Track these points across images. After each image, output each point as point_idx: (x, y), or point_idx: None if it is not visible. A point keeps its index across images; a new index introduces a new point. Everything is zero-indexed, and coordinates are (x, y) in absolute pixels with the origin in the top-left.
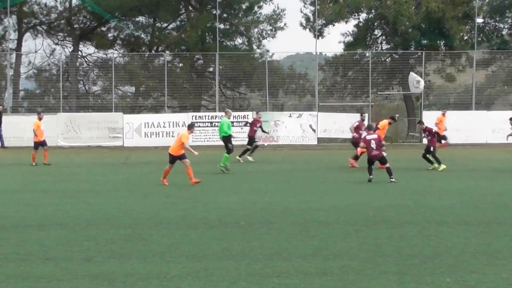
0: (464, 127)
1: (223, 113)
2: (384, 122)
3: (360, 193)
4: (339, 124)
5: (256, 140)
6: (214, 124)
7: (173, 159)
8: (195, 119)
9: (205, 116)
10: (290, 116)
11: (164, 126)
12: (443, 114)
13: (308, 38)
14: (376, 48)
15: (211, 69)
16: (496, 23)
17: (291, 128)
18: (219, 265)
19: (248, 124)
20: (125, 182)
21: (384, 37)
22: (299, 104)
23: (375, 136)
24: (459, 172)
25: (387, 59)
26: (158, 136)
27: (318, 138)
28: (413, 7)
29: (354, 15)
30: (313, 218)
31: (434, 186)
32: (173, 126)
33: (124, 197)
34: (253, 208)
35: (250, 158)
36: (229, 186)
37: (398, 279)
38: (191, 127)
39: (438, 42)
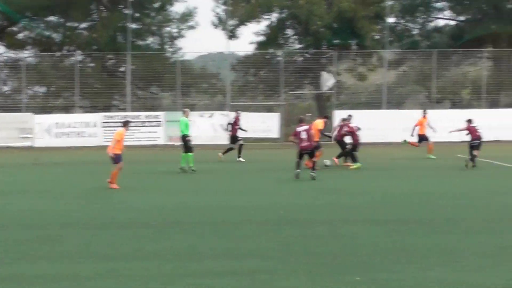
0: (376, 126)
1: (136, 113)
2: (319, 122)
3: (271, 193)
4: (251, 124)
5: (239, 139)
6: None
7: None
8: (107, 119)
9: (117, 116)
10: (201, 116)
11: (75, 127)
12: (424, 117)
13: (220, 38)
14: (288, 47)
15: (122, 69)
16: (407, 23)
17: (203, 128)
18: (130, 265)
19: (229, 125)
20: (35, 182)
21: (296, 36)
22: (211, 104)
23: (306, 127)
24: (370, 171)
25: (299, 59)
26: (69, 137)
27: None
28: (325, 7)
29: (266, 15)
30: (224, 218)
31: (345, 185)
32: (85, 127)
33: (34, 198)
34: (164, 208)
35: (240, 159)
36: (139, 186)
37: (309, 278)
38: (126, 124)
39: (350, 41)
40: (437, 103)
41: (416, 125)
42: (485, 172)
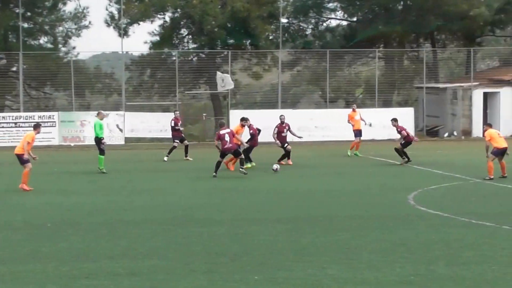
0: (271, 125)
1: (29, 113)
2: (237, 127)
3: (169, 193)
4: (147, 124)
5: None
6: (19, 125)
7: (19, 160)
8: None
9: (9, 116)
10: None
11: None
12: (354, 110)
13: (114, 37)
14: (183, 47)
15: (14, 69)
16: (300, 24)
17: None
18: (26, 267)
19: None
20: None
21: (190, 36)
22: (106, 104)
23: (228, 130)
24: (266, 170)
25: (194, 58)
26: None
27: (125, 137)
28: (219, 7)
29: (160, 14)
30: (121, 218)
31: (242, 185)
32: None
33: None
34: (60, 209)
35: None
36: (35, 187)
37: (207, 277)
38: (37, 127)
39: (244, 41)
40: (331, 102)
41: (348, 121)
42: (380, 170)
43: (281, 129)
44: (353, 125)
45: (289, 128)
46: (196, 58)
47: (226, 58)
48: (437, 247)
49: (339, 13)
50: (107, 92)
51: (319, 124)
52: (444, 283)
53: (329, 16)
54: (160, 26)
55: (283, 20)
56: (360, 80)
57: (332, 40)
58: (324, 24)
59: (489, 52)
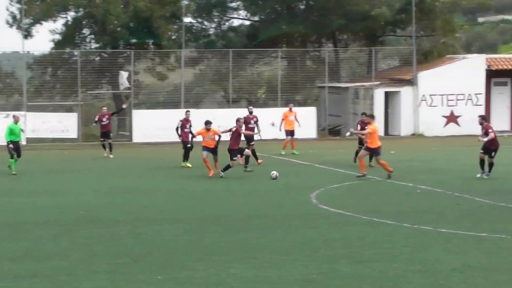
0: (174, 125)
1: None
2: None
3: (71, 193)
4: (49, 124)
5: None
6: None
7: None
8: None
9: None
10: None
11: None
12: (290, 110)
13: (15, 37)
14: (85, 47)
15: None
16: (203, 23)
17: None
18: None
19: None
20: None
21: (93, 36)
22: (6, 104)
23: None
24: (169, 170)
25: (96, 58)
26: None
27: (27, 138)
28: (121, 6)
29: (62, 14)
30: (22, 219)
31: (144, 185)
32: None
33: None
34: None
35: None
36: None
37: (110, 278)
38: None
39: (147, 41)
40: (234, 102)
41: (282, 120)
42: (283, 169)
43: (247, 120)
44: (285, 124)
45: (257, 120)
46: (98, 57)
47: (128, 58)
48: (339, 245)
49: (242, 13)
50: (7, 92)
51: (222, 124)
52: (346, 281)
53: (232, 16)
54: (62, 25)
55: (186, 20)
56: (263, 80)
57: (235, 40)
58: (227, 24)
59: (390, 52)
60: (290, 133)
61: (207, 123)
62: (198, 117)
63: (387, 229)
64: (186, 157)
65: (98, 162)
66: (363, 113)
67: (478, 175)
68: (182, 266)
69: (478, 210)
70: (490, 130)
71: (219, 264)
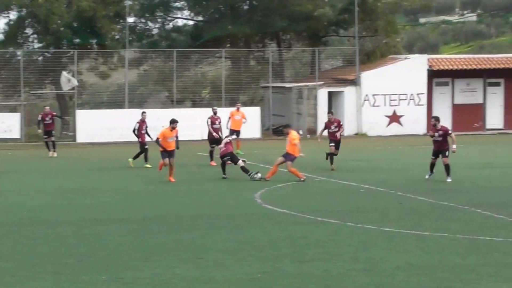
0: (117, 125)
1: None
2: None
3: (14, 194)
4: None
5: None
6: None
7: None
8: None
9: None
10: None
11: None
12: (237, 109)
13: None
14: (28, 46)
15: None
16: (147, 23)
17: None
18: None
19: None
20: None
21: (36, 35)
22: None
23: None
24: (112, 170)
25: (39, 58)
26: None
27: None
28: (65, 6)
29: (5, 13)
30: None
31: (88, 185)
32: None
33: None
34: None
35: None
36: None
37: (54, 279)
38: None
39: (90, 40)
40: (178, 102)
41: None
42: (227, 170)
43: (213, 120)
44: (231, 123)
45: (220, 121)
46: (41, 57)
47: (72, 57)
48: (284, 244)
49: (186, 12)
50: None
51: (166, 124)
52: (291, 280)
53: (175, 16)
54: (5, 24)
55: (130, 20)
56: (207, 80)
57: (179, 40)
58: (171, 24)
59: (333, 52)
60: (236, 132)
61: (173, 121)
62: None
63: (331, 228)
64: (146, 159)
65: (42, 162)
66: (330, 112)
67: (427, 176)
68: (127, 266)
69: (420, 209)
70: (449, 131)
71: (164, 264)
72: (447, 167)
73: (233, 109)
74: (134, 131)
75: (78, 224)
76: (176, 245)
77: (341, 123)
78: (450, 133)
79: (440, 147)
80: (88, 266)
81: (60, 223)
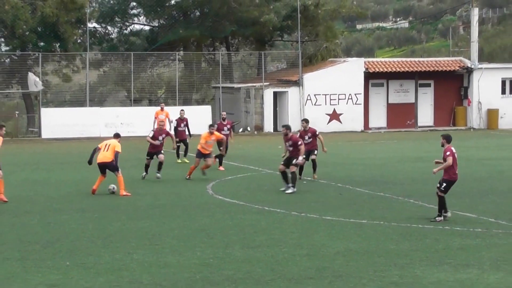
0: (79, 122)
1: None
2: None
3: None
4: None
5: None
6: None
7: None
8: None
9: None
10: None
11: None
12: (161, 109)
13: None
14: None
15: None
16: (107, 28)
17: None
18: None
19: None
20: None
21: (3, 39)
22: None
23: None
24: (74, 164)
25: (6, 60)
26: None
27: None
28: (30, 12)
29: None
30: None
31: (52, 177)
32: None
33: None
34: None
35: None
36: None
37: (21, 264)
38: None
39: (54, 44)
40: (135, 101)
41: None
42: (181, 163)
43: (179, 123)
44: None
45: (187, 123)
46: (8, 59)
47: (37, 60)
48: (233, 232)
49: (142, 18)
50: None
51: (124, 121)
52: (240, 264)
53: (133, 22)
54: None
55: (90, 25)
56: (162, 81)
57: (136, 44)
58: (129, 29)
59: (278, 55)
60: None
61: (212, 126)
62: (102, 114)
63: (277, 217)
64: (185, 153)
65: (9, 156)
66: (304, 120)
67: (283, 189)
68: (88, 252)
69: (358, 199)
70: (317, 133)
71: (123, 250)
72: (314, 164)
73: (158, 108)
74: (174, 129)
75: (43, 213)
76: (134, 232)
77: (317, 133)
78: (318, 134)
79: (310, 147)
80: (53, 252)
81: (26, 213)
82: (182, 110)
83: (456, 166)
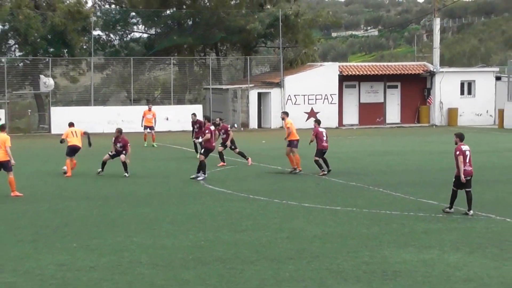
0: (85, 119)
1: None
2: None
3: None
4: None
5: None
6: None
7: None
8: None
9: None
10: None
11: None
12: (149, 109)
13: None
14: (11, 54)
15: None
16: (109, 35)
17: None
18: None
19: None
20: None
21: (17, 45)
22: None
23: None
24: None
25: (20, 64)
26: None
27: None
28: (41, 21)
29: None
30: None
31: (60, 169)
32: None
33: None
34: None
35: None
36: None
37: (33, 246)
38: None
39: (62, 50)
40: (135, 101)
41: (143, 117)
42: (176, 156)
43: (193, 124)
44: (144, 121)
45: (200, 125)
46: (22, 64)
47: (47, 64)
48: (222, 217)
49: (141, 27)
50: None
51: (125, 119)
52: (228, 246)
53: (132, 30)
54: None
55: (95, 33)
56: (159, 83)
57: (136, 49)
58: (129, 36)
59: (262, 60)
60: (149, 128)
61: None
62: (105, 113)
63: (261, 204)
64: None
65: (22, 150)
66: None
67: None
68: (93, 235)
69: (333, 188)
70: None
71: (124, 233)
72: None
73: (146, 108)
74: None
75: (53, 201)
76: (134, 218)
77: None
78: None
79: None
80: (61, 236)
81: (38, 200)
82: (193, 114)
83: (461, 164)
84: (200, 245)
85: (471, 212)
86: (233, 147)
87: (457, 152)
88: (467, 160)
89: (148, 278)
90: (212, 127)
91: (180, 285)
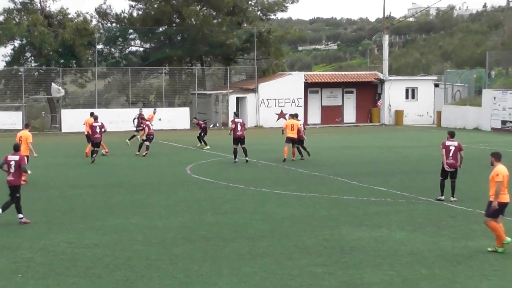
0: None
1: None
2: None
3: None
4: (1, 120)
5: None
6: None
7: None
8: None
9: None
10: None
11: None
12: (154, 112)
13: None
14: (27, 65)
15: None
16: (111, 49)
17: None
18: None
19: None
20: None
21: (33, 57)
22: None
23: (240, 120)
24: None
25: (35, 73)
26: None
27: None
28: (53, 37)
29: (11, 42)
30: None
31: (70, 161)
32: None
33: None
34: None
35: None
36: None
37: (47, 227)
38: None
39: (71, 61)
40: (132, 104)
41: (143, 118)
42: (166, 150)
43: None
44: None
45: (201, 127)
46: (37, 73)
47: (58, 73)
48: (206, 202)
49: (138, 41)
50: None
51: (124, 119)
52: (211, 227)
53: (130, 44)
54: (11, 49)
55: (99, 47)
56: (153, 89)
57: (133, 61)
58: (128, 49)
59: (239, 70)
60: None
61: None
62: (108, 114)
63: (239, 191)
64: (204, 141)
65: (36, 146)
66: (293, 114)
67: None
68: (97, 218)
69: (299, 178)
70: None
71: (123, 216)
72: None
73: (151, 112)
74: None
75: (63, 188)
76: (131, 203)
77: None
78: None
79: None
80: (70, 218)
81: (50, 188)
82: (194, 118)
83: (443, 156)
84: (187, 226)
85: (454, 198)
86: (202, 134)
87: (441, 146)
88: (450, 154)
89: (144, 254)
90: (237, 120)
91: (171, 259)
